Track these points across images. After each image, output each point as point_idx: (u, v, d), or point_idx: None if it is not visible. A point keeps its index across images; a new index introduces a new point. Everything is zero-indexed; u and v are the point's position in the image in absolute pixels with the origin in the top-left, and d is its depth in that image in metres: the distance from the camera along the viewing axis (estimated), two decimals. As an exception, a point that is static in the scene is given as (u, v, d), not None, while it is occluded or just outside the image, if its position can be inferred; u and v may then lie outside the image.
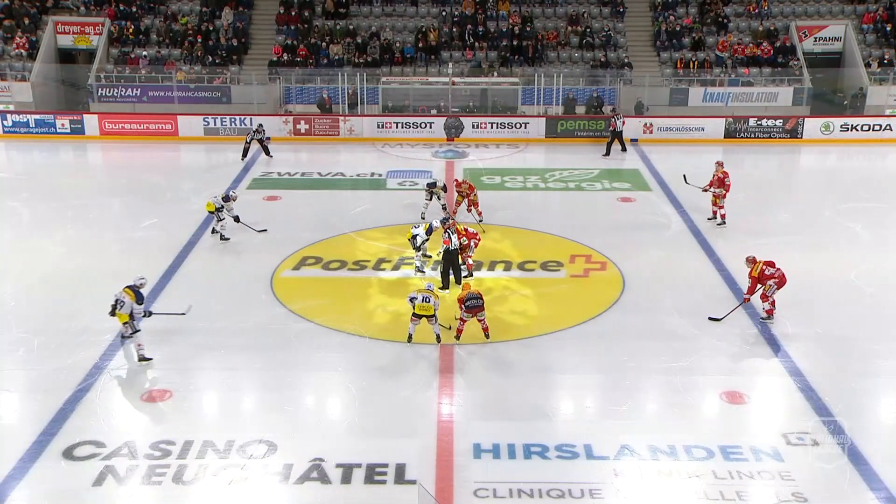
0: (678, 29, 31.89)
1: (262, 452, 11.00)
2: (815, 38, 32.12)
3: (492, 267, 17.12)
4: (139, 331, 13.37)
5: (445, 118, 28.64)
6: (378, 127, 28.61)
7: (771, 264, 14.63)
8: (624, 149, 26.78)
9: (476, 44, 31.52)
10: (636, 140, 28.11)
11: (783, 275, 14.54)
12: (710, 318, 14.84)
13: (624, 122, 26.97)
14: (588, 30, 31.97)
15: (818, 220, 20.46)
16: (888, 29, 31.80)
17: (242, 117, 27.14)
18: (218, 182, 22.90)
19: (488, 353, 13.77)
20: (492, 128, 28.58)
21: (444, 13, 32.81)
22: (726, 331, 14.52)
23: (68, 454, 10.94)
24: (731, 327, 14.62)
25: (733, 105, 29.70)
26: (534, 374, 13.14)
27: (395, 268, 17.21)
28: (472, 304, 13.75)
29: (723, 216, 19.53)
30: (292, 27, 32.13)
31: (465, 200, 19.31)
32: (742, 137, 28.29)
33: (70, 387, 12.45)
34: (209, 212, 18.60)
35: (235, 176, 23.91)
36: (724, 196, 19.41)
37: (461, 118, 28.60)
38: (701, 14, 32.63)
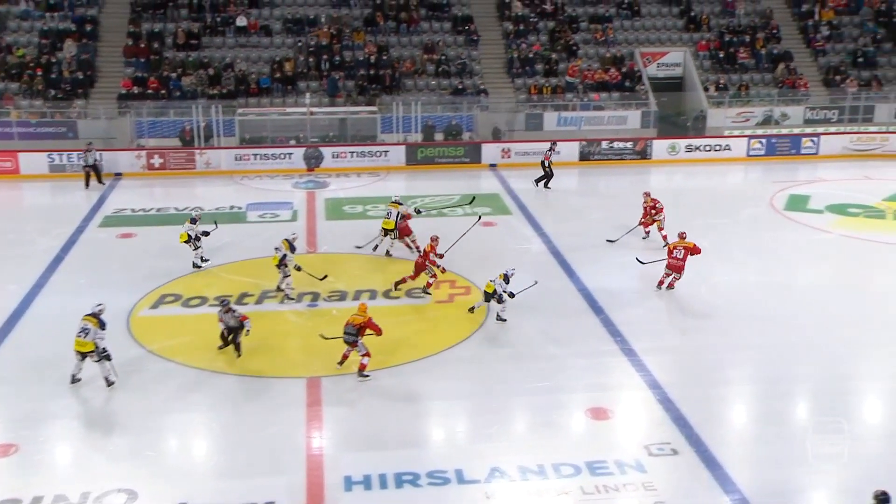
0: (531, 56, 32.85)
1: (121, 502, 10.46)
2: (658, 63, 33.84)
3: (357, 297, 17.00)
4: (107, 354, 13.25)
5: (304, 148, 28.39)
6: (236, 159, 28.02)
7: (683, 242, 17.15)
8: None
9: (333, 73, 31.45)
10: (495, 165, 28.68)
11: (694, 246, 16.94)
12: (638, 260, 16.37)
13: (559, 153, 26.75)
14: (444, 58, 32.49)
15: (669, 237, 21.28)
16: (721, 56, 33.83)
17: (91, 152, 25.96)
18: (66, 222, 21.81)
19: (356, 384, 13.62)
20: (352, 156, 28.50)
21: (299, 43, 32.59)
22: (589, 349, 14.94)
23: None
24: (593, 344, 15.07)
25: (586, 129, 30.78)
26: (403, 402, 13.11)
27: (258, 301, 16.85)
28: (350, 340, 13.70)
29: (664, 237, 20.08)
30: (142, 59, 31.14)
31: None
32: (596, 160, 29.31)
33: None
34: (183, 242, 18.22)
35: (85, 215, 22.80)
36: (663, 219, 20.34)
37: (320, 148, 28.42)
38: (552, 41, 33.72)
